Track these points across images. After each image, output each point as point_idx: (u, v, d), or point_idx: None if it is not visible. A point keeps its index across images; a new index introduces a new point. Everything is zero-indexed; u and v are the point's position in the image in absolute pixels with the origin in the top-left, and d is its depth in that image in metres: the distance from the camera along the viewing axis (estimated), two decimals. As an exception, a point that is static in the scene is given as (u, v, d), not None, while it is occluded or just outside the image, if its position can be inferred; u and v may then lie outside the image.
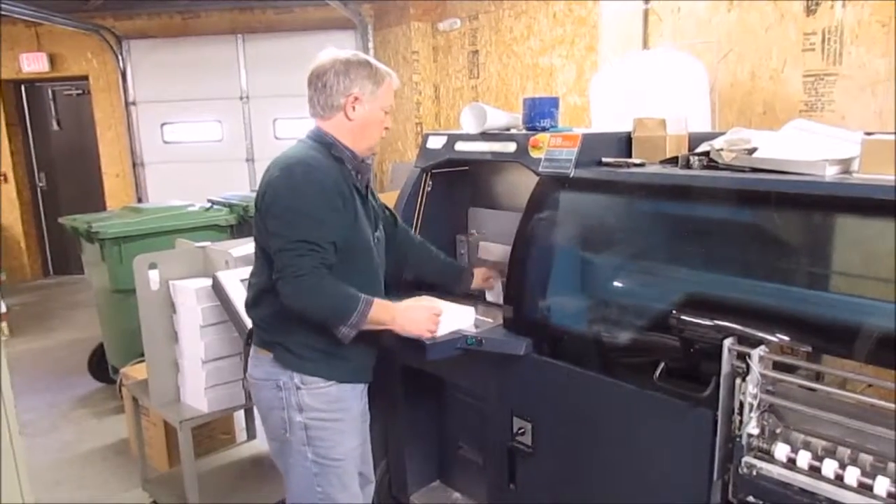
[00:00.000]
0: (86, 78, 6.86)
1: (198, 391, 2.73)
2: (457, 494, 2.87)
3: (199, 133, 6.40)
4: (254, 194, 2.51)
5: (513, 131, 2.52)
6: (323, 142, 1.96)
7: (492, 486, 2.44)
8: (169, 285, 2.74)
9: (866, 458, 1.53)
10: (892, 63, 2.51)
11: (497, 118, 2.52)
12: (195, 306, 2.63)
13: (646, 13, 3.39)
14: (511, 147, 2.41)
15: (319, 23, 6.15)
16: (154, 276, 2.76)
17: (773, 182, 1.80)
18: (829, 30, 2.71)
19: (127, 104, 6.49)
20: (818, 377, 1.82)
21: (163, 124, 6.42)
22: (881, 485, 1.45)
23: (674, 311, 1.89)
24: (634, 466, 1.96)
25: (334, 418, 1.96)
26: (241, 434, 3.65)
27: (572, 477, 2.14)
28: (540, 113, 2.46)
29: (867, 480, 1.47)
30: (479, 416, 2.50)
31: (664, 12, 3.32)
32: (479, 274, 2.48)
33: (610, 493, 2.04)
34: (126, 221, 3.88)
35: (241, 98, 6.24)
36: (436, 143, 2.71)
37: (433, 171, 2.74)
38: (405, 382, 2.67)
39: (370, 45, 6.05)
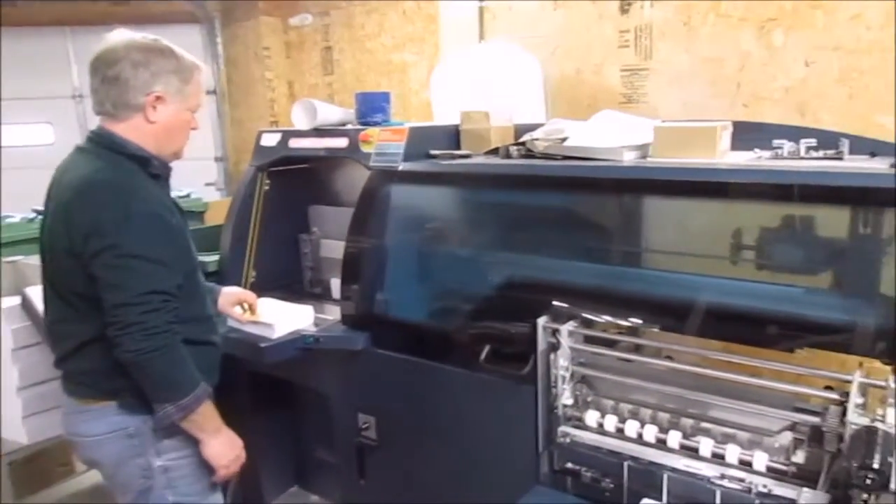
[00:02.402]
0: None
1: (14, 421, 2.50)
2: (315, 497, 2.84)
3: (25, 136, 5.82)
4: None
5: (348, 127, 2.52)
6: (129, 154, 1.64)
7: (344, 484, 2.43)
8: (-29, 307, 2.49)
9: (664, 417, 1.68)
10: (694, 58, 2.75)
11: (329, 113, 2.50)
12: (4, 328, 2.40)
13: (481, 10, 3.50)
14: (343, 142, 2.41)
15: (160, 16, 5.80)
16: (-49, 298, 2.49)
17: (577, 168, 1.92)
18: (641, 28, 2.92)
19: (-68, 105, 5.79)
20: (637, 348, 1.97)
21: (-21, 128, 5.79)
22: (674, 438, 1.60)
23: (497, 296, 1.98)
24: (471, 447, 2.03)
25: (192, 453, 1.77)
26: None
27: (416, 464, 2.18)
28: (372, 108, 2.48)
29: (662, 436, 1.62)
30: (330, 416, 2.48)
31: (498, 10, 3.45)
32: (225, 297, 2.13)
33: (451, 475, 2.09)
34: (-73, 239, 3.46)
35: (74, 97, 5.75)
36: (270, 140, 2.65)
37: (270, 169, 2.69)
38: (252, 389, 2.61)
39: (218, 40, 5.82)
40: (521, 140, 2.19)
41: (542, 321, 1.78)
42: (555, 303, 1.82)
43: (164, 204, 1.66)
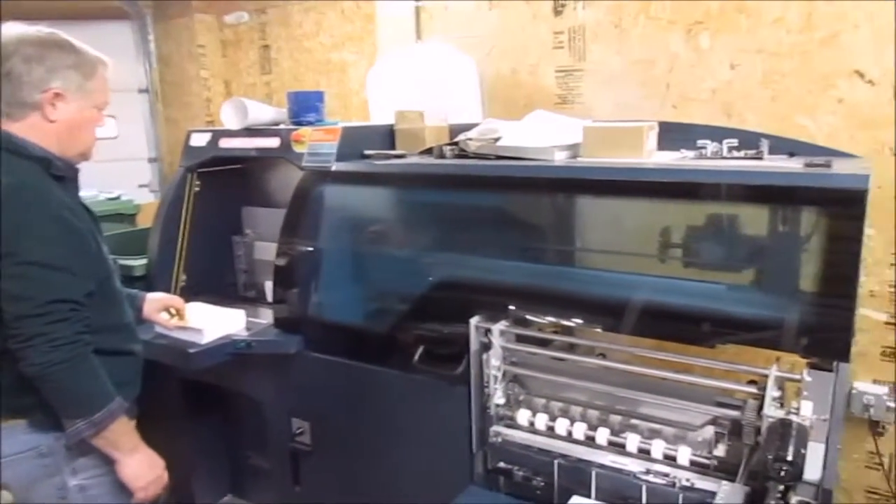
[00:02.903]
0: None
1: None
2: (250, 505, 2.77)
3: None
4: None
5: (280, 126, 2.46)
6: (28, 156, 1.52)
7: (279, 491, 2.38)
8: None
9: (593, 414, 1.70)
10: (626, 60, 2.80)
11: (261, 113, 2.45)
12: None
13: (417, 10, 3.48)
14: (275, 142, 2.36)
15: (89, 11, 5.57)
16: None
17: (509, 168, 1.93)
18: (574, 29, 2.96)
19: None
20: (569, 346, 1.98)
21: None
22: (602, 435, 1.62)
23: (431, 297, 1.96)
24: (406, 449, 2.02)
25: (112, 470, 1.66)
26: None
27: (351, 468, 2.15)
28: (305, 107, 2.44)
29: (591, 433, 1.63)
30: (263, 422, 2.43)
31: (434, 10, 3.44)
32: (150, 303, 2.03)
33: (386, 477, 2.07)
34: None
35: (-3, 96, 5.52)
36: (199, 140, 2.58)
37: (200, 170, 2.61)
38: (183, 396, 2.53)
39: (150, 37, 5.63)
40: (455, 140, 2.19)
41: (474, 321, 1.77)
42: (487, 301, 1.82)
43: (69, 207, 1.56)
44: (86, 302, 1.52)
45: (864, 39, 2.25)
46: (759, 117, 2.49)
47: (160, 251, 2.55)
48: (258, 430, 2.50)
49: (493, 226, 2.04)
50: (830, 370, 1.39)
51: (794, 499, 1.36)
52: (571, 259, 1.95)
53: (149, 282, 2.53)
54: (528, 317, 1.80)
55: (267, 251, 2.65)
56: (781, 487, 1.30)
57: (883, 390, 2.34)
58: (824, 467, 1.36)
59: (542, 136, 2.05)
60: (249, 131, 2.43)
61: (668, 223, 1.68)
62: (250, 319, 2.32)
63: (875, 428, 2.39)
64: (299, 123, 2.41)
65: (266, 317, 2.38)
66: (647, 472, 1.52)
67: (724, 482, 1.41)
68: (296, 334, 2.15)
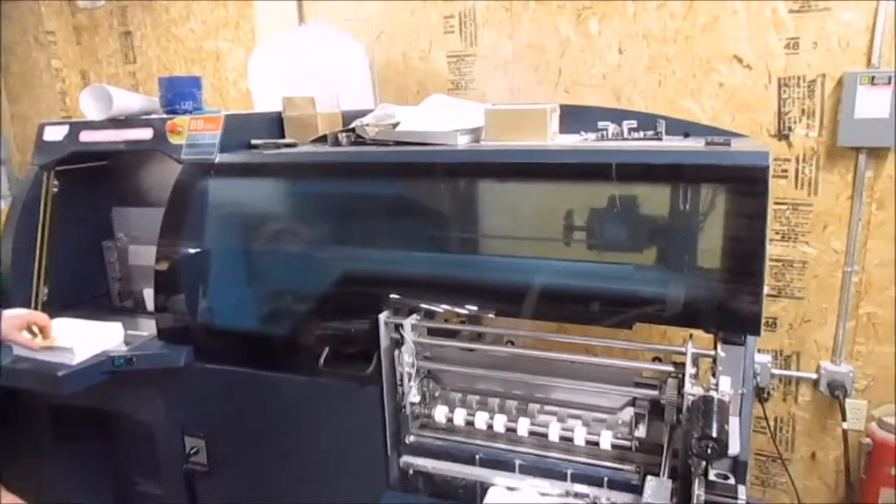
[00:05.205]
0: None
1: None
2: (142, 535, 2.51)
3: None
4: None
5: (153, 116, 2.22)
6: None
7: (173, 518, 2.17)
8: None
9: (511, 404, 1.65)
10: (517, 44, 2.78)
11: (127, 101, 2.20)
12: None
13: (300, -8, 3.31)
14: (147, 133, 2.13)
15: None
16: None
17: (412, 153, 1.83)
18: (465, 13, 2.91)
19: None
20: (480, 336, 1.92)
21: None
22: (523, 426, 1.57)
23: (334, 294, 1.84)
24: (317, 457, 1.88)
25: None
26: None
27: (255, 486, 1.98)
28: (179, 94, 2.21)
29: (512, 424, 1.58)
30: (152, 444, 2.19)
31: (318, -8, 3.28)
32: (8, 321, 1.81)
33: (296, 491, 1.93)
34: None
35: None
36: (55, 134, 2.28)
37: (58, 168, 2.31)
38: (54, 425, 2.24)
39: (-11, 22, 5.00)
40: (351, 126, 2.06)
41: (383, 316, 1.67)
42: (393, 296, 1.72)
43: None
44: None
45: (741, 25, 2.35)
46: (647, 101, 2.56)
47: (14, 262, 2.24)
48: (147, 453, 2.26)
49: (395, 216, 1.93)
50: (741, 344, 1.41)
51: (711, 473, 1.37)
52: (482, 247, 1.88)
53: (3, 298, 2.22)
54: (438, 309, 1.72)
55: (144, 255, 2.40)
56: (703, 463, 1.30)
57: (767, 358, 2.48)
58: (740, 440, 1.39)
59: (442, 121, 1.97)
60: (115, 122, 2.18)
61: (582, 206, 1.65)
62: (129, 332, 2.09)
63: (761, 394, 2.53)
64: (174, 112, 2.19)
65: (148, 328, 2.15)
66: (567, 493, 1.48)
67: (650, 476, 1.39)
68: (183, 345, 1.95)
